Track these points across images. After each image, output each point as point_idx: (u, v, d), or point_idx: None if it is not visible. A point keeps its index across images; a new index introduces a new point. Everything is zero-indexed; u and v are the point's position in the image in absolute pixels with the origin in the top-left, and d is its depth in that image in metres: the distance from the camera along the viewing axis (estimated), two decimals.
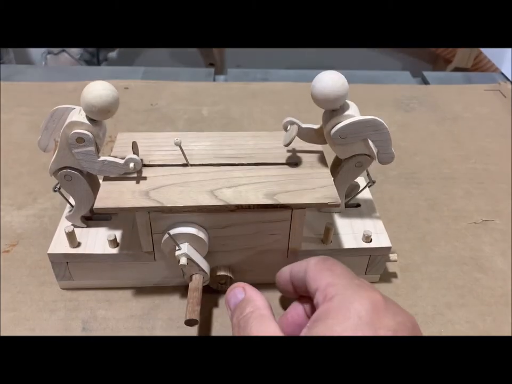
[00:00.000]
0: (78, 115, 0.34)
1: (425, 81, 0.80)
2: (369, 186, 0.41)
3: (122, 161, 0.35)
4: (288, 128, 0.38)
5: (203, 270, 0.37)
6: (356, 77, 0.77)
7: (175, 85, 0.73)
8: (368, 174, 0.41)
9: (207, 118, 0.65)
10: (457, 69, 1.41)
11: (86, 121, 0.34)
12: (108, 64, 1.60)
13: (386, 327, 0.25)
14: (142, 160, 0.37)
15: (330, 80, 0.34)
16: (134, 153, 0.37)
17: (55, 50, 1.45)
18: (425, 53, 1.54)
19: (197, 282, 0.37)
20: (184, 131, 0.62)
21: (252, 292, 0.30)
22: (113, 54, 1.63)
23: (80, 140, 0.34)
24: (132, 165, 0.35)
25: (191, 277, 0.37)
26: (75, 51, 1.46)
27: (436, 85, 0.78)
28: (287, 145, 0.38)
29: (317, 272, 0.30)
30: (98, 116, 0.34)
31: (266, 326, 0.27)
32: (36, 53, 1.53)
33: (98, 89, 0.33)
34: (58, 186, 0.39)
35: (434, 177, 0.56)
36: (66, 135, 0.34)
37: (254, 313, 0.28)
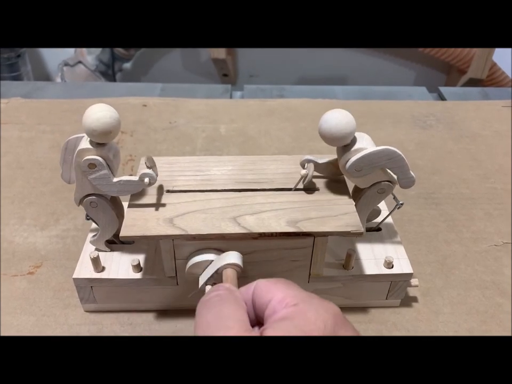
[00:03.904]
0: (85, 142, 0.35)
1: (441, 97, 0.80)
2: (398, 208, 0.41)
3: (137, 178, 0.36)
4: (306, 166, 0.39)
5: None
6: (372, 92, 0.77)
7: (192, 102, 0.74)
8: (394, 197, 0.41)
9: (224, 136, 0.66)
10: (471, 80, 1.41)
11: (93, 146, 0.34)
12: (122, 74, 1.63)
13: None
14: (157, 175, 0.37)
15: (334, 120, 0.35)
16: (148, 167, 0.37)
17: (71, 62, 1.48)
18: (439, 64, 1.53)
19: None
20: (202, 150, 0.63)
21: (236, 289, 0.29)
22: (127, 65, 1.65)
23: (92, 165, 0.34)
24: (146, 180, 0.35)
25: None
26: (91, 62, 1.49)
27: (452, 100, 0.78)
28: (305, 184, 0.39)
29: (270, 285, 0.28)
30: (101, 138, 0.34)
31: (236, 309, 0.26)
32: (53, 65, 1.56)
33: (95, 112, 0.33)
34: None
35: (453, 197, 0.56)
36: (78, 163, 0.35)
37: (231, 293, 0.28)
